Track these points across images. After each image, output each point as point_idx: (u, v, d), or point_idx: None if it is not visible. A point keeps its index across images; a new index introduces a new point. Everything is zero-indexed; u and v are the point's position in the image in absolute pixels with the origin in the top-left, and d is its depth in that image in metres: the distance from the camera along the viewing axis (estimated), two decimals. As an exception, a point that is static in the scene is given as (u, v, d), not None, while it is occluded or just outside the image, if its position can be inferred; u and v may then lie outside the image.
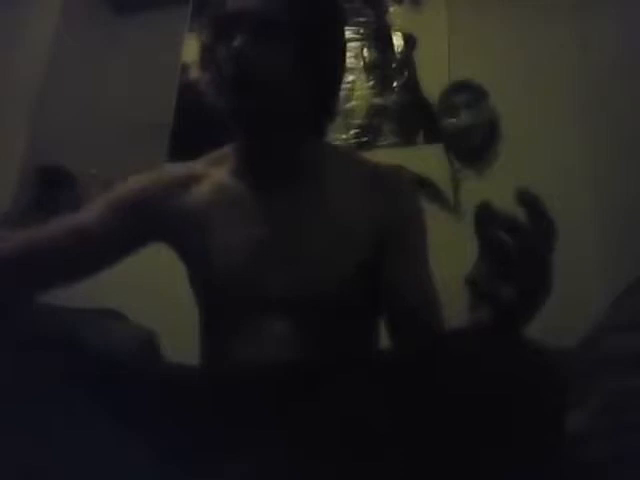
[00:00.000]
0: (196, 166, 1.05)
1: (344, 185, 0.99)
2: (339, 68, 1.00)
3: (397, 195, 1.02)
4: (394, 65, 2.19)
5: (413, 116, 2.10)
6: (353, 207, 0.98)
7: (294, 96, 0.92)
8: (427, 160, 1.97)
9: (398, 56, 2.19)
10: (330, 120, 1.03)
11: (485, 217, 0.62)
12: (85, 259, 0.97)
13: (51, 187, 2.35)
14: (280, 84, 0.90)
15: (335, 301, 0.94)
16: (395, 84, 2.16)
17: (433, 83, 2.08)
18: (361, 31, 2.26)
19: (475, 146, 1.96)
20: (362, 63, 2.21)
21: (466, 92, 1.97)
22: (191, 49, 2.40)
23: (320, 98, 0.97)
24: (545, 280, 0.61)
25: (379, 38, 2.24)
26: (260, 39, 0.87)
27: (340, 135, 2.11)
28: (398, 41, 2.21)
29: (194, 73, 2.34)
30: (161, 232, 1.02)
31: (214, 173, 1.02)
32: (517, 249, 0.60)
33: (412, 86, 2.14)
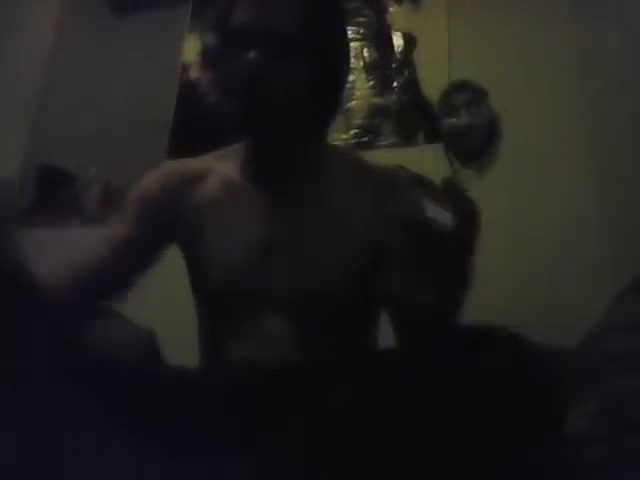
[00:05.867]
0: (203, 163, 1.05)
1: (346, 185, 0.99)
2: (345, 68, 1.02)
3: (398, 195, 1.02)
4: (394, 65, 2.19)
5: (413, 116, 2.10)
6: (355, 207, 0.98)
7: (301, 98, 0.93)
8: (427, 160, 1.97)
9: (398, 56, 2.19)
10: (333, 119, 1.03)
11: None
12: (127, 270, 0.98)
13: (51, 187, 2.35)
14: (290, 90, 0.90)
15: (336, 301, 0.95)
16: (395, 84, 2.16)
17: (433, 83, 2.08)
18: (361, 31, 2.26)
19: (475, 146, 1.96)
20: (362, 63, 2.21)
21: (466, 92, 1.97)
22: (191, 49, 2.40)
23: (326, 98, 0.98)
24: (464, 281, 0.62)
25: (379, 38, 2.24)
26: (274, 52, 0.88)
27: (340, 135, 2.11)
28: (398, 41, 2.21)
29: (194, 73, 2.34)
30: (177, 230, 1.02)
31: (220, 171, 1.02)
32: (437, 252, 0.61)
33: (412, 86, 2.14)
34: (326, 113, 1.01)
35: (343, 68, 1.01)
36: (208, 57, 0.97)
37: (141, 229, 0.98)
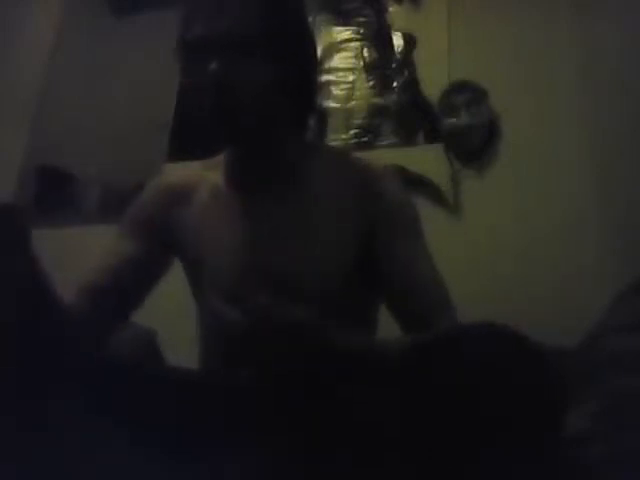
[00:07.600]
0: (194, 174, 1.06)
1: (332, 184, 1.00)
2: (313, 68, 1.03)
3: (384, 189, 1.02)
4: (394, 65, 2.19)
5: (413, 116, 2.10)
6: (342, 205, 0.98)
7: (270, 101, 0.93)
8: (427, 160, 1.97)
9: (398, 56, 2.19)
10: (309, 119, 1.04)
11: None
12: (135, 292, 1.02)
13: (51, 187, 2.35)
14: (256, 95, 0.91)
15: (329, 300, 0.94)
16: (395, 84, 2.16)
17: (433, 83, 2.08)
18: (361, 31, 2.25)
19: (475, 146, 1.96)
20: (362, 63, 2.21)
21: (466, 92, 1.97)
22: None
23: (298, 99, 0.99)
24: None
25: (379, 38, 2.24)
26: (234, 59, 0.89)
27: (340, 135, 2.11)
28: (398, 41, 2.21)
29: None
30: (175, 243, 1.04)
31: (210, 180, 1.04)
32: None
33: (412, 86, 2.13)
34: (301, 114, 1.01)
35: (310, 68, 1.01)
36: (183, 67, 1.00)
37: (144, 250, 1.00)
